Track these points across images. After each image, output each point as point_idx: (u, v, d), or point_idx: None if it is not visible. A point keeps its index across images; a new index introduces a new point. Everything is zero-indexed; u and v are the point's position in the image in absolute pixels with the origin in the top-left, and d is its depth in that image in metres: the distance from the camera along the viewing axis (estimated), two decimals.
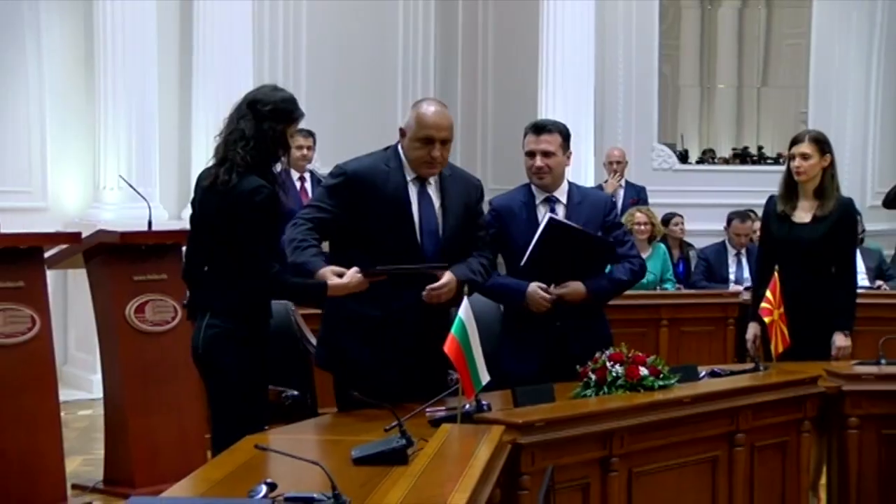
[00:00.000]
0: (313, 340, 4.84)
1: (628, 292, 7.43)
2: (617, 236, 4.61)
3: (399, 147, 4.12)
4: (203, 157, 8.80)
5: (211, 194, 3.97)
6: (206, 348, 3.93)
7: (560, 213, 4.55)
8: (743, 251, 8.29)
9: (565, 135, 4.59)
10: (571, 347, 4.35)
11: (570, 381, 4.07)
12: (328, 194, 4.12)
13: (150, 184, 8.22)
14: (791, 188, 5.21)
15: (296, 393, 4.41)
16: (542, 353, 4.44)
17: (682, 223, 9.26)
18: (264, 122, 4.00)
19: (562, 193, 4.60)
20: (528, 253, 4.37)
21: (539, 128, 4.57)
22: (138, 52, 8.34)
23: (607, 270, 4.68)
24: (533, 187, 4.60)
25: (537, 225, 4.47)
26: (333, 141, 9.65)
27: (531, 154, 4.54)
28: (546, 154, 4.51)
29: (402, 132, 4.13)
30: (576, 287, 4.43)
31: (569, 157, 4.61)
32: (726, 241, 8.38)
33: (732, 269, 8.26)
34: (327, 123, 9.82)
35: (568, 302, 4.42)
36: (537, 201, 4.59)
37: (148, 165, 8.42)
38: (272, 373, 4.13)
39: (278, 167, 4.06)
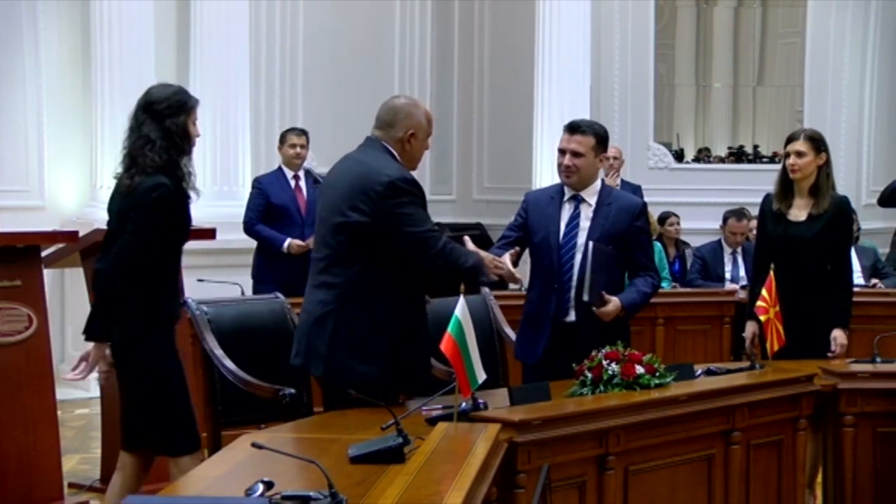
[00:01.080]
0: None
1: None
2: (642, 243, 4.62)
3: (393, 152, 4.08)
4: (201, 156, 8.79)
5: (118, 198, 4.12)
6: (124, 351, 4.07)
7: (584, 212, 4.57)
8: (738, 250, 8.29)
9: (600, 138, 4.57)
10: (588, 343, 4.28)
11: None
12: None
13: None
14: (786, 186, 5.21)
15: (293, 391, 4.41)
16: (546, 345, 4.51)
17: (678, 222, 9.27)
18: (165, 121, 4.09)
19: (591, 194, 4.60)
20: (587, 288, 4.38)
21: (573, 127, 4.57)
22: (135, 50, 8.33)
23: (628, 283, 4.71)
24: (564, 186, 4.63)
25: (558, 219, 4.55)
26: (331, 140, 9.67)
27: (561, 152, 4.56)
28: (575, 154, 4.52)
29: (413, 135, 4.07)
30: (615, 304, 4.45)
31: (602, 161, 4.63)
32: (722, 240, 8.38)
33: (728, 267, 8.27)
34: (324, 122, 9.84)
35: (607, 319, 4.44)
36: (564, 198, 4.61)
37: None
38: (266, 371, 4.14)
39: (185, 162, 4.15)
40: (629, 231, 4.56)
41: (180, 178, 4.13)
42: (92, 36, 8.40)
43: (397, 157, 4.05)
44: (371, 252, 3.93)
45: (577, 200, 4.59)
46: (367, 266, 3.94)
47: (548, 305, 4.53)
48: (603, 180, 4.71)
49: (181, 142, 4.12)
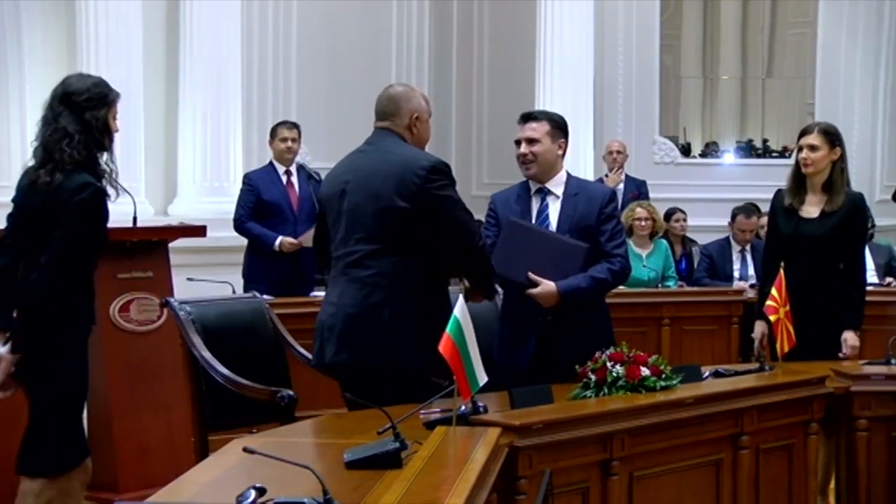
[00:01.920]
0: (293, 341, 4.84)
1: (628, 290, 7.55)
2: (606, 230, 4.60)
3: (400, 139, 4.20)
4: (191, 151, 8.83)
5: (33, 193, 4.01)
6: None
7: (552, 205, 4.60)
8: (747, 247, 8.28)
9: (556, 123, 4.64)
10: (565, 343, 4.41)
11: (565, 378, 4.09)
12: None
13: (136, 178, 8.20)
14: (799, 182, 5.20)
15: (291, 393, 4.42)
16: (533, 348, 4.51)
17: (685, 219, 9.27)
18: (84, 113, 3.99)
19: (556, 185, 4.64)
20: (493, 256, 4.38)
21: (526, 116, 4.65)
22: (122, 42, 8.31)
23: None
24: (529, 181, 4.66)
25: (528, 215, 4.59)
26: (325, 134, 9.66)
27: (517, 143, 4.63)
28: (530, 141, 4.58)
29: (418, 118, 4.23)
30: (546, 288, 4.43)
31: (561, 147, 4.64)
32: (730, 237, 8.37)
33: (737, 265, 8.26)
34: (318, 116, 9.83)
35: (543, 304, 4.45)
36: (531, 193, 4.66)
37: (133, 160, 8.39)
38: (251, 371, 4.15)
39: (107, 159, 4.10)
40: (598, 220, 4.58)
41: (100, 176, 4.03)
42: (78, 30, 8.38)
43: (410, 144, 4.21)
44: (415, 240, 4.05)
45: (544, 193, 4.64)
46: (412, 255, 4.06)
47: (529, 304, 4.51)
48: (568, 172, 4.73)
49: (101, 137, 4.02)
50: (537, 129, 4.59)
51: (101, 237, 4.12)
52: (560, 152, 4.65)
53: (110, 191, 4.14)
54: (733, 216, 8.39)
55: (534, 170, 4.60)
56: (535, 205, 4.64)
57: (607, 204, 4.65)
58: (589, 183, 5.10)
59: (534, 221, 4.60)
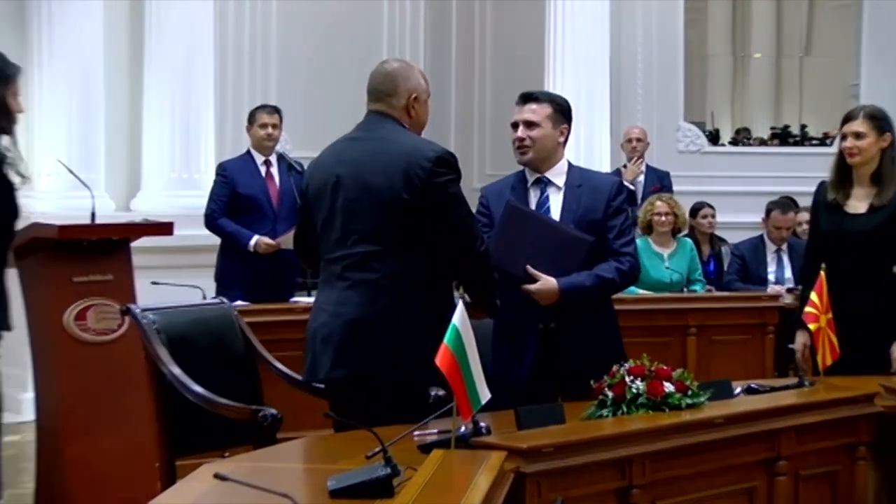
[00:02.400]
0: (266, 353, 4.82)
1: (649, 295, 7.52)
2: (614, 226, 4.60)
3: (398, 125, 4.20)
4: (157, 141, 8.81)
5: None
6: None
7: (554, 196, 4.62)
8: (784, 247, 8.29)
9: (558, 106, 4.66)
10: (569, 355, 4.45)
11: (569, 395, 4.09)
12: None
13: (94, 169, 8.20)
14: (843, 173, 5.18)
15: (274, 412, 4.38)
16: (533, 360, 4.52)
17: (713, 214, 9.27)
18: None
19: (557, 175, 4.66)
20: (491, 243, 4.38)
21: (525, 96, 4.67)
22: (78, 18, 8.31)
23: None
24: (526, 170, 4.68)
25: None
26: (307, 120, 9.65)
27: (514, 126, 4.65)
28: (529, 125, 4.60)
29: (416, 98, 4.23)
30: (547, 284, 4.44)
31: (563, 133, 4.65)
32: (764, 235, 8.38)
33: (772, 267, 8.27)
34: (300, 100, 9.82)
35: (541, 302, 4.45)
36: (529, 184, 4.67)
37: (92, 149, 8.39)
38: (222, 388, 4.12)
39: (5, 141, 4.07)
40: (606, 214, 4.59)
41: (1, 161, 4.01)
42: (29, 9, 8.39)
43: (408, 128, 4.22)
44: (417, 237, 4.06)
45: (543, 184, 4.65)
46: (417, 254, 4.07)
47: (530, 310, 4.50)
48: (569, 161, 4.74)
49: (0, 119, 4.01)
50: (537, 112, 4.61)
51: (6, 232, 4.05)
52: (561, 139, 4.66)
53: (15, 179, 4.09)
54: (767, 212, 8.40)
55: (530, 155, 4.62)
56: (533, 196, 4.66)
57: (615, 196, 4.65)
58: (593, 173, 5.11)
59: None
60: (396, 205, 4.03)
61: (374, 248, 4.07)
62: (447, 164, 4.07)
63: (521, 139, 4.60)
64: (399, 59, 4.49)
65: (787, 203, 8.51)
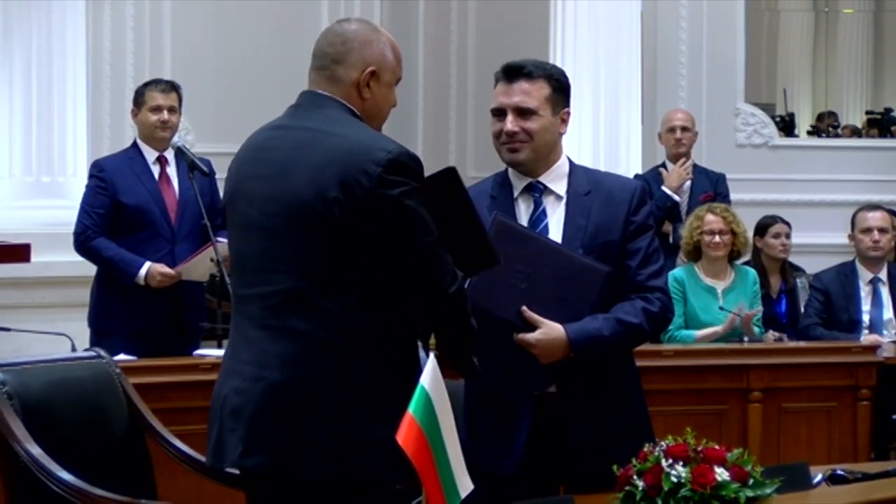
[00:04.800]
0: (159, 426, 4.84)
1: (694, 346, 7.54)
2: (637, 249, 4.52)
3: (354, 111, 4.11)
4: (5, 133, 8.82)
5: None
6: None
7: (552, 210, 4.55)
8: (881, 273, 8.29)
9: (557, 83, 4.56)
10: (573, 430, 4.39)
11: (574, 484, 4.13)
12: None
13: None
14: None
15: None
16: (525, 440, 4.46)
17: (788, 234, 9.23)
18: None
19: (556, 179, 4.58)
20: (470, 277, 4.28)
21: (511, 70, 4.56)
22: None
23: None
24: (511, 172, 4.60)
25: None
26: (214, 106, 9.69)
27: (499, 113, 4.55)
28: (523, 113, 4.50)
29: (374, 75, 4.10)
30: (551, 332, 4.37)
31: (564, 121, 4.59)
32: (856, 262, 8.38)
33: (866, 306, 8.26)
34: (201, 79, 9.84)
35: (542, 358, 4.37)
36: (516, 192, 4.59)
37: None
38: (92, 471, 4.14)
39: None
40: (625, 232, 4.51)
41: None
42: None
43: (360, 116, 4.09)
44: (367, 271, 3.93)
45: (537, 191, 4.57)
46: (367, 296, 3.94)
47: (522, 371, 4.46)
48: (570, 159, 4.67)
49: None
50: (532, 93, 4.51)
51: None
52: (563, 129, 4.60)
53: None
54: (852, 220, 8.41)
55: (524, 154, 4.52)
56: (523, 209, 4.57)
57: (637, 207, 4.56)
58: (604, 175, 4.91)
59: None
60: (329, 224, 3.91)
61: (301, 283, 3.96)
62: (405, 170, 3.91)
63: (512, 133, 4.51)
64: (363, 20, 4.34)
65: (873, 205, 8.53)
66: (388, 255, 3.90)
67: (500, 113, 4.53)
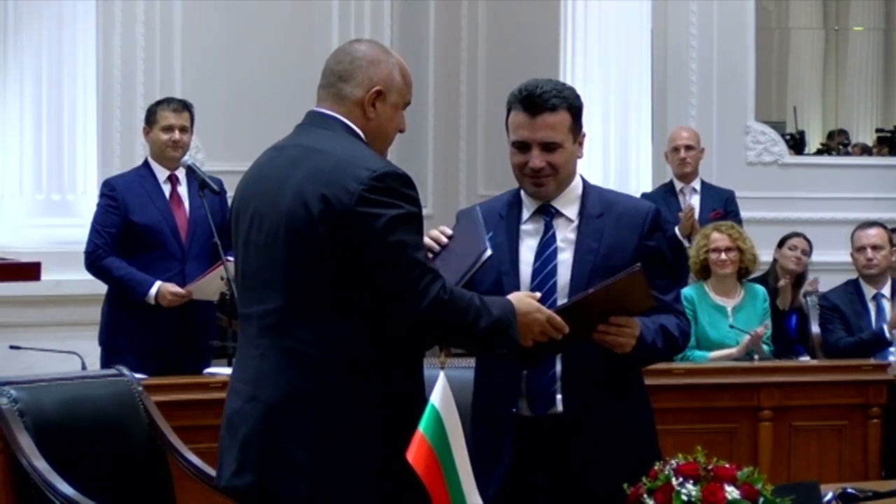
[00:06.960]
0: (179, 443, 4.84)
1: (704, 365, 7.54)
2: (654, 275, 4.38)
3: (357, 132, 4.09)
4: (16, 150, 8.84)
5: None
6: None
7: (563, 233, 4.49)
8: (885, 289, 8.30)
9: (576, 109, 4.46)
10: (576, 448, 4.36)
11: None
12: None
13: None
14: None
15: None
16: (509, 462, 4.40)
17: (805, 250, 9.21)
18: None
19: (569, 203, 4.52)
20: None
21: (533, 103, 4.42)
22: None
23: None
24: (524, 194, 4.55)
25: (516, 248, 4.48)
26: (225, 126, 9.70)
27: (522, 146, 4.45)
28: (549, 147, 4.41)
29: (380, 95, 4.08)
30: (630, 325, 4.28)
31: (581, 143, 4.51)
32: (860, 281, 8.39)
33: (873, 319, 8.27)
34: (213, 99, 9.85)
35: (617, 347, 4.28)
36: (525, 215, 4.54)
37: None
38: (109, 490, 4.13)
39: None
40: (638, 256, 4.39)
41: None
42: None
43: (363, 136, 4.07)
44: (353, 289, 3.88)
45: (548, 215, 4.52)
46: (358, 316, 3.91)
47: (510, 390, 4.43)
48: (583, 178, 4.60)
49: None
50: (557, 127, 4.40)
51: None
52: (580, 154, 4.54)
53: None
54: (851, 238, 8.43)
55: (550, 188, 4.46)
56: (532, 231, 4.52)
57: (650, 231, 4.51)
58: (617, 196, 4.81)
59: (532, 257, 4.46)
60: (313, 241, 3.89)
61: (289, 302, 3.95)
62: (387, 190, 3.87)
63: (539, 170, 4.41)
64: (374, 41, 4.34)
65: (868, 222, 8.55)
66: (361, 275, 3.86)
67: (523, 147, 4.43)
